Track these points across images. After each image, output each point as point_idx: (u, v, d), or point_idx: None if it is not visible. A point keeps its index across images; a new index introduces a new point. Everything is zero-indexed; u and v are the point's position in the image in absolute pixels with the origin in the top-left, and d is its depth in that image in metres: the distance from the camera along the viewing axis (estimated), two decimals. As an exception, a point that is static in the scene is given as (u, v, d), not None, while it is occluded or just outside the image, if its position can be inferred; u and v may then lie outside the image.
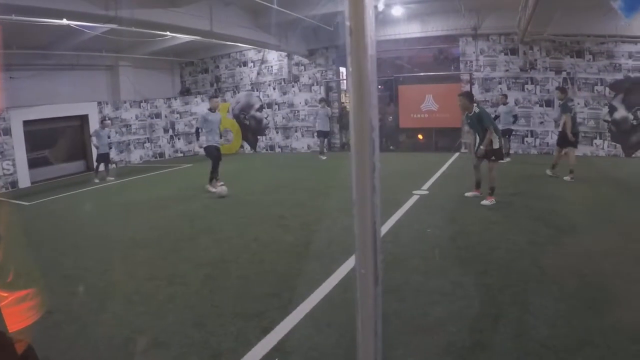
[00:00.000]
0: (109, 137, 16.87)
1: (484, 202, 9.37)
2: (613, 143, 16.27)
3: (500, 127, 14.60)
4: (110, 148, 17.57)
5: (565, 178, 11.67)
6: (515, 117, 16.29)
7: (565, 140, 11.76)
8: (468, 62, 18.77)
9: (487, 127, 9.35)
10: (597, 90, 16.82)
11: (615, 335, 4.13)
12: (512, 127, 16.13)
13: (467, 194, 10.03)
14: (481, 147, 9.40)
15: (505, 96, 16.28)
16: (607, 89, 16.73)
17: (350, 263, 6.24)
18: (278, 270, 6.29)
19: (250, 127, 23.11)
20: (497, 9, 17.24)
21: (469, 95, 10.08)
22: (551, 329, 4.31)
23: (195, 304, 5.39)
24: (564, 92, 12.31)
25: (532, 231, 7.47)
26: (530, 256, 6.31)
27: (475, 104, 9.66)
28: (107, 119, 17.28)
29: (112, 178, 16.33)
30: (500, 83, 18.33)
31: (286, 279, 5.93)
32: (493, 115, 14.31)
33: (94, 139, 16.32)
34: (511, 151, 16.18)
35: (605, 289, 5.17)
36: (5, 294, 2.10)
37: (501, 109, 15.81)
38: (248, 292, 5.61)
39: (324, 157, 18.37)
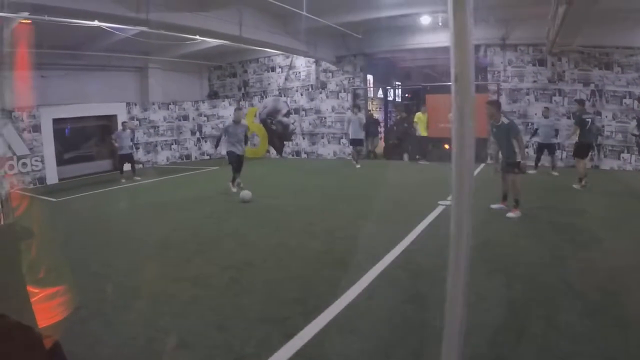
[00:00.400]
0: (131, 139, 17.04)
1: (509, 214, 9.29)
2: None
3: (539, 140, 14.53)
4: (133, 149, 17.69)
5: (574, 186, 11.61)
6: (557, 131, 16.06)
7: (579, 150, 12.02)
8: (496, 72, 18.66)
9: (516, 138, 9.25)
10: (625, 103, 16.63)
11: (640, 353, 4.09)
12: (554, 141, 15.87)
13: (492, 206, 9.93)
14: (521, 161, 9.31)
15: (547, 109, 16.00)
16: (636, 102, 16.54)
17: (374, 271, 6.27)
18: (304, 276, 6.30)
19: (277, 132, 23.12)
20: (526, 20, 17.12)
21: (497, 104, 10.02)
22: (574, 345, 4.26)
23: (220, 307, 5.41)
24: (581, 103, 12.32)
25: (557, 245, 7.39)
26: (555, 270, 6.25)
27: (503, 115, 9.58)
28: (129, 120, 17.45)
29: (139, 178, 16.51)
30: (527, 94, 18.20)
31: (311, 285, 5.94)
32: (533, 129, 14.25)
33: (115, 141, 16.54)
34: (554, 165, 15.89)
35: (631, 305, 5.11)
36: (37, 290, 2.14)
37: (542, 121, 15.61)
38: (273, 297, 5.62)
39: (358, 166, 18.06)
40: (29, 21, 11.35)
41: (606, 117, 16.26)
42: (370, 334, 4.55)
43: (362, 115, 19.35)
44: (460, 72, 1.76)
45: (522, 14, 16.67)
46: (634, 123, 16.06)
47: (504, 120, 9.44)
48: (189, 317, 5.13)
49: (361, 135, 18.88)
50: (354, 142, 18.73)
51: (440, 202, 10.35)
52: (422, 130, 18.72)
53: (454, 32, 2.00)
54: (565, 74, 17.61)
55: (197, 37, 15.28)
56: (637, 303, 5.17)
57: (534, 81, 18.08)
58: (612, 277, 5.92)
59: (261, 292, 5.79)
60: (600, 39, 16.26)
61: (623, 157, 16.54)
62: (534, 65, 18.09)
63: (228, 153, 12.86)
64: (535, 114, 16.50)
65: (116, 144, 16.54)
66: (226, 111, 22.84)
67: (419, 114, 18.74)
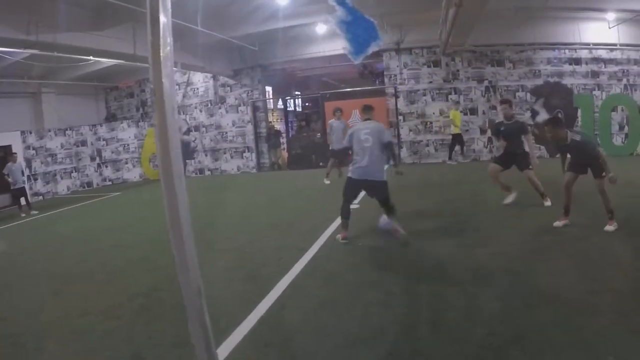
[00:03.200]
0: (22, 172, 16.44)
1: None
2: (537, 145, 16.82)
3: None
4: (25, 182, 16.98)
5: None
6: None
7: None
8: (392, 75, 19.19)
9: (526, 135, 10.02)
10: (518, 96, 17.46)
11: None
12: None
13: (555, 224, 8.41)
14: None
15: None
16: (528, 95, 17.44)
17: (283, 283, 6.33)
18: (212, 295, 6.20)
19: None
20: (419, 24, 17.75)
21: (510, 103, 10.49)
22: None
23: (132, 337, 5.28)
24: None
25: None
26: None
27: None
28: (15, 152, 16.64)
29: (36, 212, 15.82)
30: (424, 95, 18.78)
31: (220, 303, 5.84)
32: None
33: (7, 175, 15.79)
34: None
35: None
36: None
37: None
38: (183, 320, 5.50)
39: (328, 182, 15.33)
40: None
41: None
42: (285, 346, 4.60)
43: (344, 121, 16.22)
44: (157, 86, 1.97)
45: (415, 18, 17.26)
46: (528, 114, 16.89)
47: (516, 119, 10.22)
48: (103, 352, 4.98)
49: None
50: (336, 154, 15.13)
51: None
52: (456, 128, 18.09)
53: (150, 47, 2.20)
54: (459, 72, 18.35)
55: (91, 57, 14.91)
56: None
57: (430, 82, 18.72)
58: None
59: (171, 316, 5.66)
60: (491, 38, 17.10)
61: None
62: (429, 66, 18.78)
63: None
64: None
65: (9, 179, 15.77)
66: (125, 133, 22.31)
67: (453, 111, 18.23)
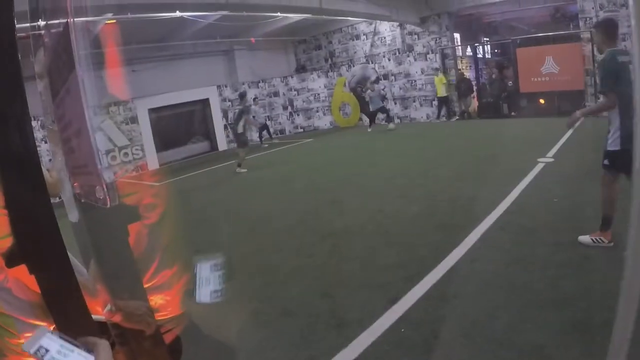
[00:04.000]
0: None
1: None
2: None
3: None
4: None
5: None
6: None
7: None
8: (587, 19, 17.85)
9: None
10: None
11: None
12: None
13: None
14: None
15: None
16: None
17: (476, 233, 6.10)
18: (403, 241, 6.28)
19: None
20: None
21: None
22: None
23: (322, 275, 5.48)
24: None
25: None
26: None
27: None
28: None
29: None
30: (624, 40, 17.37)
31: (412, 250, 5.87)
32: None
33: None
34: None
35: None
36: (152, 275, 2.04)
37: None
38: (374, 263, 5.65)
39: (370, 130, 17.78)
40: (114, 21, 11.77)
41: None
42: (473, 299, 4.48)
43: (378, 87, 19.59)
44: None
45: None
46: None
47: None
48: (292, 287, 5.24)
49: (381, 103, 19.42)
50: (372, 114, 19.69)
51: (539, 160, 9.98)
52: (439, 91, 18.75)
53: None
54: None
55: (279, 14, 15.36)
56: None
57: (628, 26, 17.19)
58: None
59: (362, 259, 5.78)
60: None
61: None
62: (626, 7, 17.21)
63: None
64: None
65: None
66: (315, 84, 22.97)
67: (436, 77, 18.69)
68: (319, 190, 10.14)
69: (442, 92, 19.77)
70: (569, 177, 8.42)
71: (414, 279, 4.95)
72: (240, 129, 13.75)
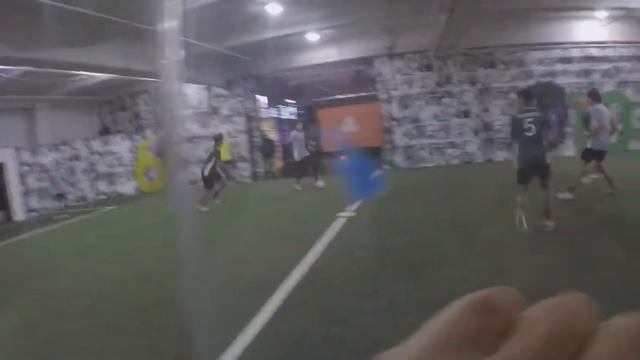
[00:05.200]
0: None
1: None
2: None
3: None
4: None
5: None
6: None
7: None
8: (385, 81, 19.11)
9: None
10: (510, 97, 17.51)
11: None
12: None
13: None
14: None
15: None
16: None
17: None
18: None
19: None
20: (410, 28, 17.63)
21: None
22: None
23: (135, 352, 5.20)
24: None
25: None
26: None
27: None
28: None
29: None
30: (417, 99, 18.76)
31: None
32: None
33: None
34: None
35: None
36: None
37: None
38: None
39: (299, 188, 16.32)
40: None
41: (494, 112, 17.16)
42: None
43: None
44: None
45: (406, 22, 17.16)
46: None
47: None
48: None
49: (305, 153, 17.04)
50: (298, 165, 16.98)
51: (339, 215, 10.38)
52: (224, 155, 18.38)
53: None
54: (452, 76, 18.34)
55: (84, 72, 14.89)
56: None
57: (423, 86, 18.67)
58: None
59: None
60: (483, 40, 17.03)
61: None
62: (421, 71, 18.70)
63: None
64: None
65: None
66: (119, 147, 22.20)
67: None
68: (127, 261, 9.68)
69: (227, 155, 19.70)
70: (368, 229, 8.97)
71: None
72: (206, 172, 14.21)
